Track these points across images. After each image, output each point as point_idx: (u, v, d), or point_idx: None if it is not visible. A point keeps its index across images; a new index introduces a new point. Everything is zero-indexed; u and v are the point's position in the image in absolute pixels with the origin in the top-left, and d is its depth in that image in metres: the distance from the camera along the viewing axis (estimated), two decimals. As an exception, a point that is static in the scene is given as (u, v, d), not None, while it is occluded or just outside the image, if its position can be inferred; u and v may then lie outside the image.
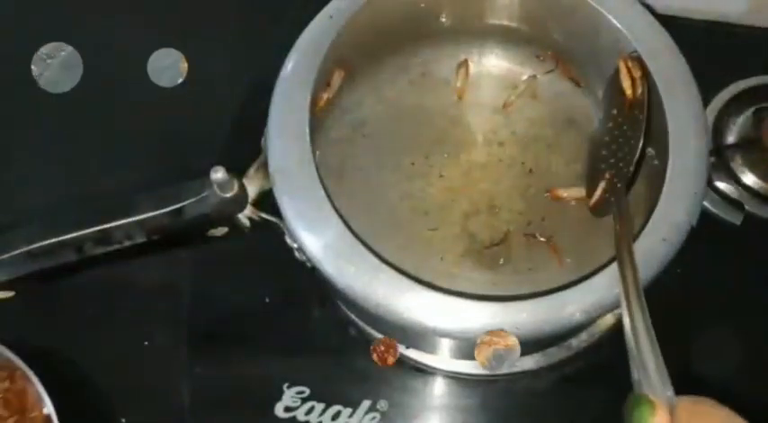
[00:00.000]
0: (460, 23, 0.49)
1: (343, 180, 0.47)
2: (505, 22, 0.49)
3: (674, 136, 0.39)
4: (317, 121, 0.46)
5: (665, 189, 0.38)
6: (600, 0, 0.43)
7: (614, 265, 0.35)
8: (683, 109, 0.40)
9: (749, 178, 0.51)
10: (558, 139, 0.48)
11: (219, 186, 0.37)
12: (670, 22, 0.44)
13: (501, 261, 0.45)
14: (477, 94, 0.50)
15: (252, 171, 0.40)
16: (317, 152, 0.47)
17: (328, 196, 0.38)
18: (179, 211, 0.38)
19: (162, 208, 0.38)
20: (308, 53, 0.41)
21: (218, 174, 0.36)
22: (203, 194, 0.38)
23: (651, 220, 0.37)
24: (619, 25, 0.43)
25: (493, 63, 0.50)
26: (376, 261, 0.36)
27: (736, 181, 0.51)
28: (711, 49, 0.44)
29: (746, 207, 0.50)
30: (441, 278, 0.43)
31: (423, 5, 0.47)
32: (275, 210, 0.39)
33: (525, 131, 0.49)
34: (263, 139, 0.41)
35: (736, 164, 0.51)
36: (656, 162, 0.42)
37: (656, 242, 0.37)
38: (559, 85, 0.50)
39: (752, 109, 0.52)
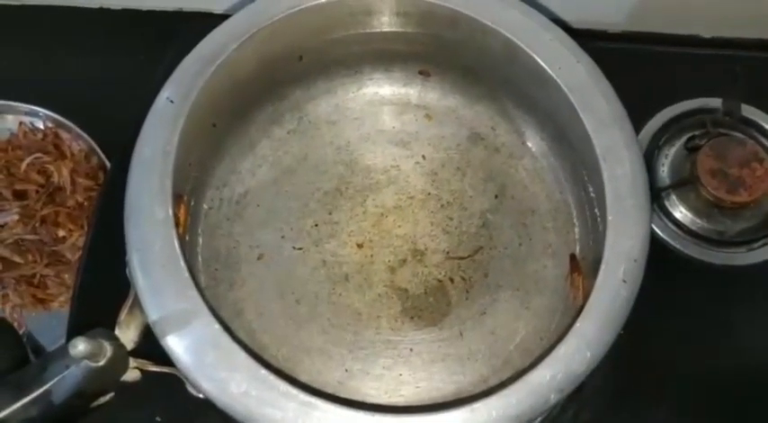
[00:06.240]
0: (326, 56, 0.41)
1: (240, 266, 0.40)
2: (382, 44, 0.42)
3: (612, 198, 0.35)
4: (191, 210, 0.38)
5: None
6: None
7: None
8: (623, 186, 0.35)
9: (684, 216, 0.44)
10: (467, 158, 0.43)
11: (87, 357, 0.29)
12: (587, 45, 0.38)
13: (444, 312, 0.40)
14: (368, 128, 0.43)
15: (123, 315, 0.32)
16: (200, 243, 0.40)
17: (227, 329, 0.31)
18: (46, 395, 0.30)
19: (22, 397, 0.30)
20: (156, 150, 0.33)
21: (79, 347, 0.28)
22: (69, 370, 0.30)
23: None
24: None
25: (374, 90, 0.44)
26: (306, 398, 0.30)
27: (671, 219, 0.44)
28: (629, 77, 0.37)
29: (680, 248, 0.43)
30: (382, 352, 0.39)
31: (278, 50, 0.39)
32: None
33: (430, 158, 0.43)
34: (127, 270, 0.33)
35: (671, 202, 0.44)
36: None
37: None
38: (450, 100, 0.44)
39: (683, 138, 0.45)
